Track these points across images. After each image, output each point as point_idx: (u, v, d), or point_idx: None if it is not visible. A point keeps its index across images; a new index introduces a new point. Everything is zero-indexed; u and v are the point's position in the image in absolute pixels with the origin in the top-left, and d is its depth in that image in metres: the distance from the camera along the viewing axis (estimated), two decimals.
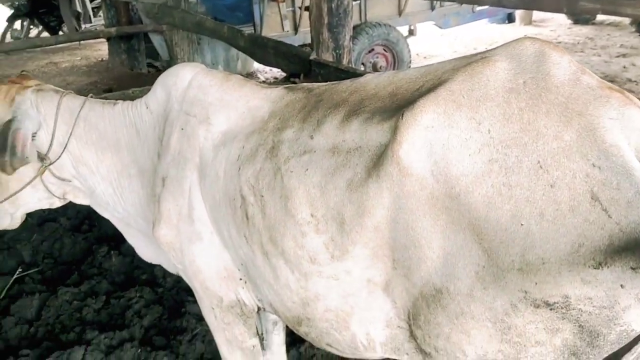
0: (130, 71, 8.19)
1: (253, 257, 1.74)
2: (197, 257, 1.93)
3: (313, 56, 4.14)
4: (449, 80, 1.31)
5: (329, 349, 1.73)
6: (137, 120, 2.16)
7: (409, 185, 1.29)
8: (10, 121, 2.09)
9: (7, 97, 2.16)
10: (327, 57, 4.15)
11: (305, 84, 1.90)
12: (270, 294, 1.76)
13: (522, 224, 1.15)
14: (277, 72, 7.92)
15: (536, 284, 1.14)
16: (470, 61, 1.35)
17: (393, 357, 1.57)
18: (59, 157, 2.19)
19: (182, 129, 1.94)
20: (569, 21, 11.18)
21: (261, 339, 2.17)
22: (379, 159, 1.36)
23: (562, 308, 1.14)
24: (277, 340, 2.30)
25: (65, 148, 2.18)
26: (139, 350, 2.80)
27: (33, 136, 2.14)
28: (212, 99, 1.92)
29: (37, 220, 3.90)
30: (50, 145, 2.17)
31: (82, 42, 9.46)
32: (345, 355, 1.74)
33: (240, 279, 1.91)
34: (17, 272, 3.46)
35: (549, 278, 1.13)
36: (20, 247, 3.70)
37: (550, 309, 1.15)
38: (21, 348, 2.87)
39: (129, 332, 2.95)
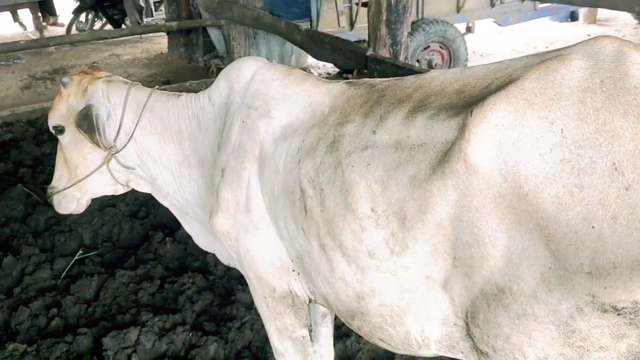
0: (188, 64, 8.40)
1: (309, 249, 1.75)
2: (252, 247, 1.97)
3: (369, 52, 4.13)
4: (521, 78, 1.28)
5: (381, 344, 1.73)
6: (199, 112, 2.22)
7: (476, 183, 1.27)
8: (88, 107, 2.20)
9: (80, 86, 2.28)
10: (384, 53, 4.13)
11: (366, 79, 1.89)
12: (324, 286, 1.77)
13: (593, 227, 1.12)
14: (330, 68, 7.93)
15: (605, 288, 1.11)
16: (544, 59, 1.31)
17: (447, 355, 1.56)
18: (125, 145, 2.28)
19: (243, 121, 1.98)
20: (635, 21, 10.66)
21: (310, 331, 2.19)
22: (445, 156, 1.35)
23: (630, 314, 1.11)
24: (325, 332, 2.32)
25: (131, 137, 2.27)
26: (190, 335, 2.89)
27: None
28: (274, 92, 1.95)
29: (98, 205, 4.05)
30: (118, 133, 2.26)
31: (142, 35, 9.76)
32: (397, 351, 1.74)
33: (293, 271, 1.94)
34: (78, 254, 3.63)
35: (620, 283, 1.10)
36: (81, 230, 3.87)
37: (618, 314, 1.13)
38: (79, 326, 3.01)
39: (181, 316, 3.05)
